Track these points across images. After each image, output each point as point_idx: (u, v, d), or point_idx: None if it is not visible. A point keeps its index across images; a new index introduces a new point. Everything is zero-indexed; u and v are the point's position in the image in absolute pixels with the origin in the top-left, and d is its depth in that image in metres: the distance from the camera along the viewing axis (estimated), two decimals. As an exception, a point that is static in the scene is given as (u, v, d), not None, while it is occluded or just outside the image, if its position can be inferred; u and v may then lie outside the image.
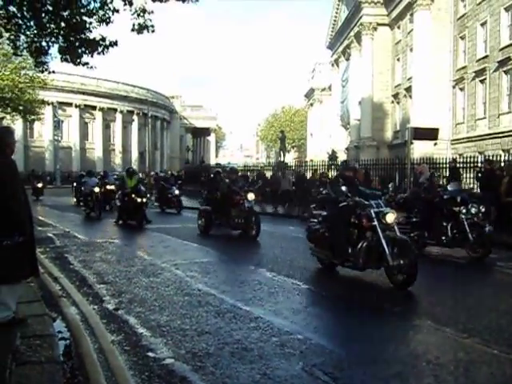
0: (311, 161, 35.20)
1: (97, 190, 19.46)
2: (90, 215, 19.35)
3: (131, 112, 71.57)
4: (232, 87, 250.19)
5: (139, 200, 16.09)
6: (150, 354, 4.70)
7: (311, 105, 77.52)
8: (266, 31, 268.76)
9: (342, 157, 42.99)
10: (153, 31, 12.20)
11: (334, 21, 55.88)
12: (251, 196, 13.48)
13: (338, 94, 56.38)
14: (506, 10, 29.30)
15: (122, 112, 70.03)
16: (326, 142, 60.65)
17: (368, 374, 4.23)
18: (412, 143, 23.48)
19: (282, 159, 37.01)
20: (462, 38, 34.49)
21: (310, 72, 79.65)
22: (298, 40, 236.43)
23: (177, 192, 22.85)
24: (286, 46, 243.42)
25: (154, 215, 19.50)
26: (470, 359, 4.63)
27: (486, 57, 31.23)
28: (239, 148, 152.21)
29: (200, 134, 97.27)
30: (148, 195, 20.72)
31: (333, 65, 58.74)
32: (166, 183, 24.09)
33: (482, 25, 31.90)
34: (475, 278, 8.95)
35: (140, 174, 34.40)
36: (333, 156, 40.75)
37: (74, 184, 28.79)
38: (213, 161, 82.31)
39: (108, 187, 21.69)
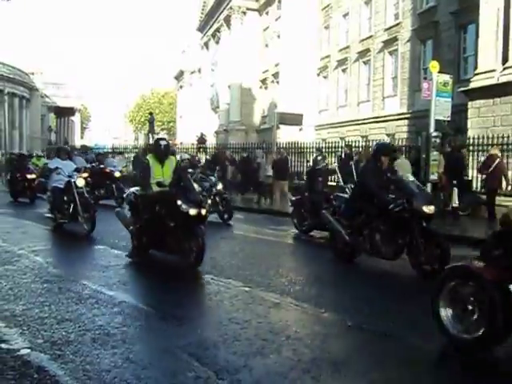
0: (181, 143, 35.07)
1: (81, 182, 11.08)
2: (62, 226, 11.35)
3: (-15, 88, 66.10)
4: (99, 66, 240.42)
5: (193, 212, 7.44)
6: (3, 345, 4.40)
7: (181, 87, 76.80)
8: (138, 8, 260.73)
9: (211, 140, 43.17)
10: (8, -1, 11.28)
11: (204, 2, 55.52)
12: None
13: (208, 77, 56.37)
14: (366, 3, 31.07)
15: (-27, 87, 64.43)
16: (196, 124, 60.50)
17: (231, 352, 4.32)
18: (278, 128, 24.36)
19: (150, 142, 36.43)
20: (327, 27, 36.05)
21: (181, 54, 78.78)
22: (171, 20, 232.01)
23: (220, 187, 13.74)
24: (159, 25, 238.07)
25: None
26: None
27: (348, 47, 32.97)
28: (106, 129, 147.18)
29: (64, 113, 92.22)
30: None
31: (203, 47, 58.55)
32: (198, 171, 14.73)
33: (345, 16, 33.56)
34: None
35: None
36: (201, 139, 40.84)
37: None
38: (78, 142, 78.57)
39: (84, 174, 12.72)
